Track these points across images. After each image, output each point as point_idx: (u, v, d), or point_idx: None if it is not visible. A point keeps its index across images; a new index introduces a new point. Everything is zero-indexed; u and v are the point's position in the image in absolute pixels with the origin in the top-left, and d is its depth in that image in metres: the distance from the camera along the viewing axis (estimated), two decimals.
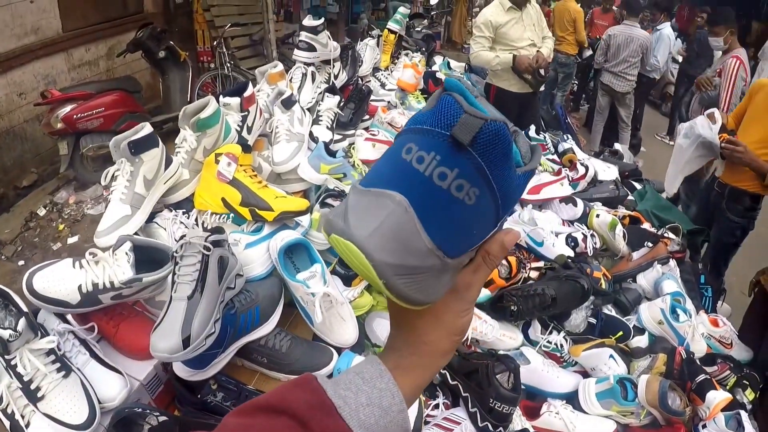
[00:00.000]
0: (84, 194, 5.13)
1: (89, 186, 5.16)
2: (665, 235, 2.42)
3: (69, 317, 1.32)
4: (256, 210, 1.58)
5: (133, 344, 1.34)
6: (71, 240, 4.59)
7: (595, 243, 2.12)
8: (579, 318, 1.88)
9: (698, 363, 1.93)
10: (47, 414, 1.15)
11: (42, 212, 4.92)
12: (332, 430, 0.54)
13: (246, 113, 1.85)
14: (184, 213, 1.66)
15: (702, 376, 1.83)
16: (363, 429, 0.54)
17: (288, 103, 1.96)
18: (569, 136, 3.16)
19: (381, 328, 1.74)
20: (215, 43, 6.61)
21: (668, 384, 1.73)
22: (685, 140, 2.99)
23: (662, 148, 7.64)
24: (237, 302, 1.40)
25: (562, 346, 1.85)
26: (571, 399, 1.78)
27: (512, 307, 1.76)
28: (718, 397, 1.77)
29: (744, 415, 1.77)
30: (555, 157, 2.89)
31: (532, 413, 1.73)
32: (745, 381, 2.01)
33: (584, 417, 1.73)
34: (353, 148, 2.04)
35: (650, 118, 8.02)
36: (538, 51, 3.95)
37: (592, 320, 1.91)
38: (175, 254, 1.27)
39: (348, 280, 1.69)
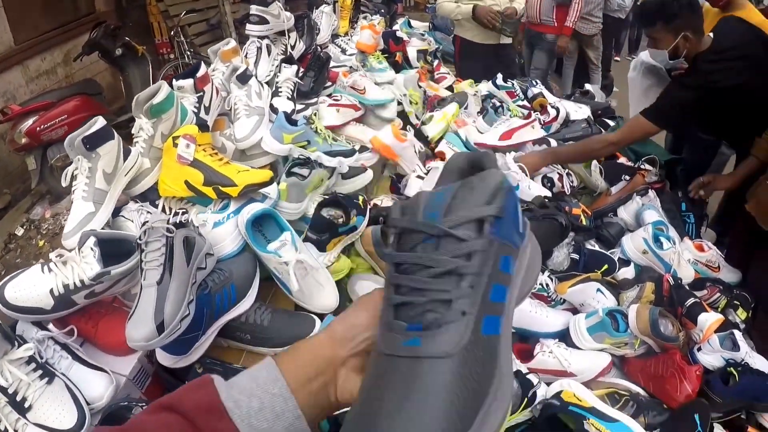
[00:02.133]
0: (59, 206, 5.03)
1: (63, 197, 5.05)
2: (642, 167, 2.42)
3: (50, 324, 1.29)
4: (220, 188, 1.55)
5: (114, 341, 1.31)
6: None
7: (572, 181, 2.11)
8: (561, 255, 1.86)
9: (687, 288, 1.92)
10: (38, 424, 1.13)
11: (20, 232, 4.84)
12: (220, 428, 0.55)
13: (201, 93, 1.81)
14: (150, 203, 1.62)
15: (691, 300, 1.82)
16: (257, 417, 0.56)
17: (243, 78, 1.92)
18: (538, 81, 3.12)
19: (363, 290, 1.72)
20: (172, 33, 6.51)
21: (658, 311, 1.73)
22: (634, 72, 2.99)
23: None
24: (210, 282, 1.37)
25: (548, 285, 1.84)
26: (564, 337, 1.77)
27: None
28: (709, 319, 1.76)
29: (738, 334, 1.77)
30: (525, 102, 2.87)
31: (526, 355, 1.72)
32: (735, 302, 2.00)
33: (578, 353, 1.72)
34: (315, 115, 2.00)
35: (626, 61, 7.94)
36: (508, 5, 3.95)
37: (575, 256, 1.89)
38: (139, 241, 1.24)
39: (321, 245, 1.67)
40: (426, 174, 1.97)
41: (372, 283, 1.77)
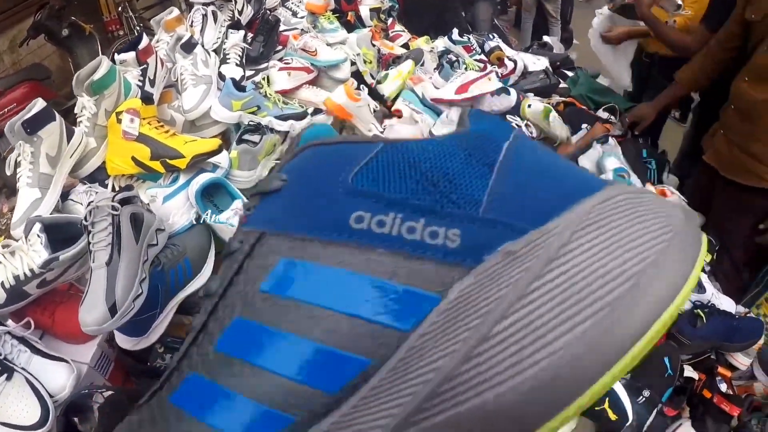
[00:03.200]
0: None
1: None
2: (610, 119, 2.42)
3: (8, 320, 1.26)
4: (168, 161, 1.51)
5: (72, 329, 1.26)
6: None
7: (531, 132, 2.07)
8: None
9: None
10: (1, 422, 1.10)
11: None
12: None
13: (145, 66, 1.74)
14: (99, 184, 1.59)
15: None
16: None
17: (188, 47, 1.85)
18: (495, 35, 3.07)
19: None
20: (120, 8, 6.31)
21: None
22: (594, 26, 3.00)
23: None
24: (163, 258, 1.34)
25: None
26: None
27: None
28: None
29: (703, 276, 1.79)
30: (482, 57, 2.82)
31: None
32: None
33: None
34: (264, 80, 1.95)
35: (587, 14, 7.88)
36: None
37: None
38: (85, 223, 1.20)
39: None
40: (382, 132, 1.93)
41: None
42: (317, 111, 2.01)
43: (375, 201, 0.34)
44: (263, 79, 1.95)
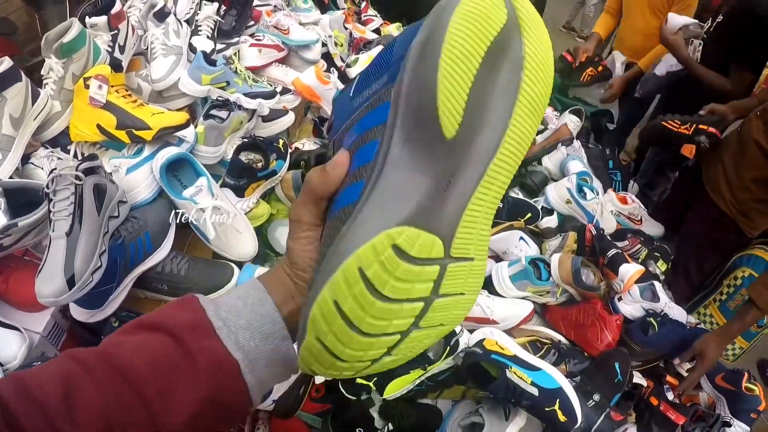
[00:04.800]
0: None
1: None
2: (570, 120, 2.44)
3: None
4: (134, 131, 1.47)
5: (26, 296, 1.24)
6: None
7: None
8: None
9: (609, 238, 1.96)
10: None
11: None
12: (207, 348, 0.53)
13: (116, 32, 1.68)
14: (62, 149, 1.53)
15: (614, 251, 1.86)
16: (241, 352, 0.54)
17: (161, 16, 1.81)
18: None
19: (285, 236, 1.66)
20: None
21: (581, 260, 1.76)
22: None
23: (566, 40, 7.65)
24: (123, 231, 1.32)
25: None
26: (487, 284, 1.80)
27: None
28: (630, 269, 1.81)
29: (658, 285, 1.83)
30: None
31: None
32: (656, 253, 2.07)
33: (501, 300, 1.76)
34: (235, 55, 1.92)
35: (557, 10, 7.93)
36: None
37: (499, 204, 1.88)
38: (46, 191, 1.17)
39: (240, 190, 1.61)
40: None
41: None
42: (285, 90, 1.99)
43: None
44: (234, 54, 1.92)
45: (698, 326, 1.95)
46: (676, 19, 2.60)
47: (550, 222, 1.98)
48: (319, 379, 1.46)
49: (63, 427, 0.47)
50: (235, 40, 2.07)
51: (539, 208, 1.99)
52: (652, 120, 2.49)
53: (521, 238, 1.85)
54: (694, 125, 2.19)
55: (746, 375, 1.86)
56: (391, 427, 1.54)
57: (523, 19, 0.47)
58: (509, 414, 1.55)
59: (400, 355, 0.54)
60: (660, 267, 2.03)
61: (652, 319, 1.78)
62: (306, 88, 1.97)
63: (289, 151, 1.81)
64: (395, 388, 1.48)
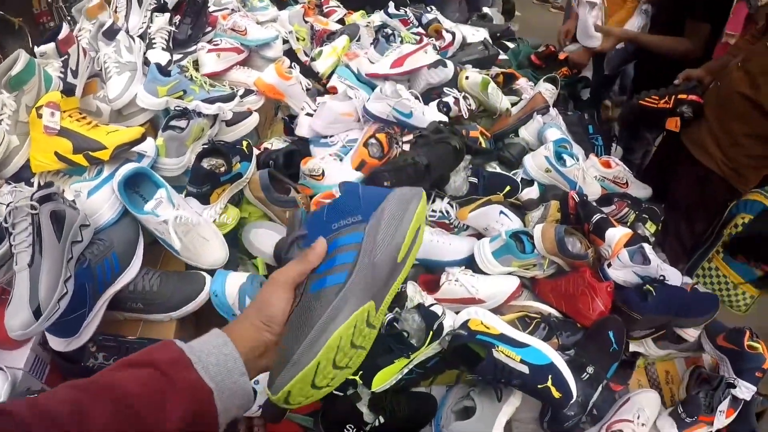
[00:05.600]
0: None
1: None
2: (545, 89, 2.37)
3: None
4: (90, 153, 1.45)
5: (3, 334, 1.20)
6: None
7: (470, 105, 2.03)
8: (459, 180, 1.80)
9: (593, 204, 1.89)
10: None
11: None
12: (186, 378, 0.67)
13: (66, 57, 1.66)
14: (26, 182, 1.53)
15: (597, 216, 1.79)
16: (213, 382, 0.69)
17: (110, 34, 1.79)
18: (433, 8, 3.00)
19: (259, 239, 1.68)
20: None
21: (564, 229, 1.70)
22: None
23: (540, 12, 7.52)
24: (89, 254, 1.30)
25: (448, 212, 1.79)
26: (471, 263, 1.73)
27: (385, 183, 1.67)
28: (617, 233, 1.73)
29: (647, 247, 1.75)
30: (420, 30, 2.74)
31: (432, 286, 1.68)
32: (644, 215, 1.98)
33: (486, 278, 1.69)
34: (189, 63, 1.89)
35: None
36: None
37: (474, 180, 1.83)
38: (5, 225, 1.17)
39: (204, 198, 1.59)
40: (315, 111, 1.88)
41: (267, 230, 1.71)
42: (248, 92, 1.96)
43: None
44: (188, 62, 1.89)
45: (696, 286, 1.87)
46: None
47: (530, 193, 1.91)
48: None
49: None
50: (192, 48, 2.03)
51: (518, 180, 1.92)
52: (628, 102, 2.41)
53: (501, 212, 1.78)
54: (673, 97, 2.12)
55: (748, 333, 1.78)
56: (382, 420, 1.49)
57: None
58: (501, 395, 1.48)
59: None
60: (649, 229, 1.95)
61: (648, 285, 1.70)
62: (268, 87, 1.93)
63: (257, 152, 1.79)
64: (382, 380, 1.41)
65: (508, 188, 1.84)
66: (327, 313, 0.76)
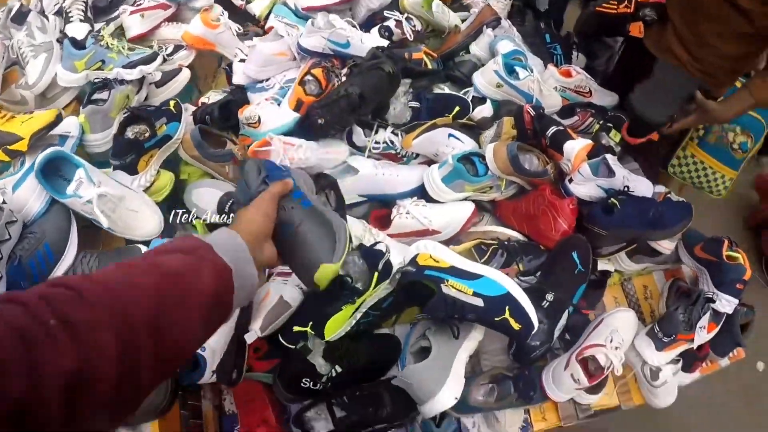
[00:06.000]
0: None
1: None
2: None
3: None
4: (8, 147, 1.42)
5: None
6: None
7: (414, 26, 1.87)
8: (398, 106, 1.67)
9: (550, 116, 1.75)
10: None
11: None
12: (213, 260, 0.80)
13: None
14: None
15: (554, 128, 1.65)
16: (231, 264, 0.81)
17: (19, 18, 1.75)
18: None
19: (201, 198, 1.62)
20: None
21: (516, 146, 1.57)
22: None
23: None
24: (19, 250, 1.29)
25: (392, 142, 1.68)
26: (425, 193, 1.65)
27: (319, 121, 1.57)
28: (576, 146, 1.60)
29: (611, 158, 1.61)
30: None
31: (385, 222, 1.60)
32: (609, 124, 1.84)
33: (439, 207, 1.61)
34: (105, 31, 1.79)
35: None
36: None
37: (415, 104, 1.70)
38: None
39: (131, 168, 1.53)
40: (246, 56, 1.77)
41: (208, 188, 1.65)
42: (178, 48, 1.87)
43: None
44: (103, 30, 1.80)
45: (669, 195, 1.73)
46: None
47: (483, 111, 1.77)
48: (251, 339, 1.36)
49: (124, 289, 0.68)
50: (116, 14, 1.93)
51: (469, 99, 1.77)
52: (584, 9, 2.16)
53: (451, 135, 1.67)
54: (634, 0, 1.92)
55: (726, 242, 1.66)
56: (339, 369, 1.43)
57: None
58: (458, 332, 1.41)
59: None
60: (614, 138, 1.80)
61: (613, 198, 1.58)
62: (196, 39, 1.85)
63: (193, 108, 1.74)
64: (333, 329, 1.36)
65: (457, 109, 1.71)
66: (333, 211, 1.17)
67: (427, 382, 1.38)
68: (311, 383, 1.42)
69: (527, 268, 1.57)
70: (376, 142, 1.66)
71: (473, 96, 1.79)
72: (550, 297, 1.48)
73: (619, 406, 1.65)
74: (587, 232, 1.59)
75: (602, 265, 1.66)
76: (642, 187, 1.65)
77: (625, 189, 1.60)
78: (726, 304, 1.60)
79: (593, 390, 1.55)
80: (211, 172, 1.66)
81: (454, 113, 1.70)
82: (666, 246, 1.70)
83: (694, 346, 1.59)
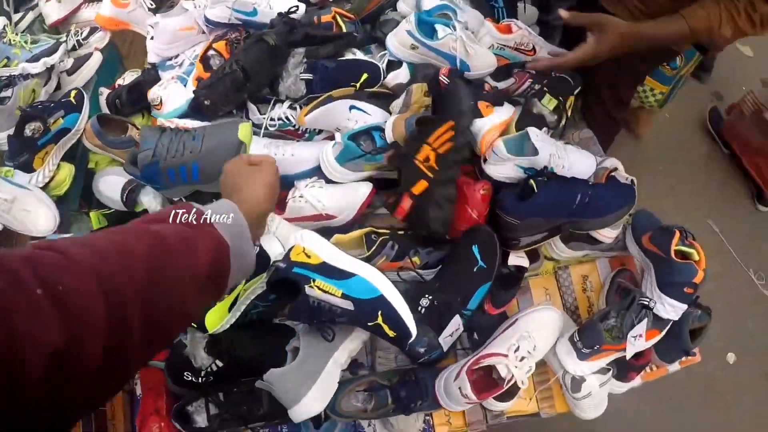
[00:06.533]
0: None
1: None
2: None
3: None
4: None
5: None
6: None
7: None
8: (289, 80, 1.49)
9: (470, 84, 1.49)
10: None
11: None
12: (211, 234, 0.75)
13: None
14: None
15: (470, 102, 1.40)
16: (229, 240, 0.77)
17: None
18: None
19: (107, 186, 1.59)
20: None
21: (416, 119, 1.37)
22: None
23: None
24: None
25: (288, 118, 1.53)
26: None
27: (205, 102, 1.46)
28: (485, 124, 1.39)
29: (535, 132, 1.38)
30: None
31: (282, 206, 1.45)
32: (547, 88, 1.53)
33: (333, 189, 1.46)
34: (8, 28, 1.75)
35: None
36: None
37: (307, 76, 1.50)
38: None
39: (26, 167, 1.53)
40: (152, 28, 1.66)
41: (113, 176, 1.61)
42: (94, 30, 1.82)
43: None
44: (4, 26, 1.76)
45: (615, 173, 1.46)
46: None
47: (399, 77, 1.55)
48: None
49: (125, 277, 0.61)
50: (34, 2, 1.89)
51: (382, 64, 1.56)
52: None
53: (353, 107, 1.47)
54: None
55: (677, 234, 1.36)
56: (219, 363, 1.36)
57: None
58: (333, 335, 1.28)
59: None
60: (547, 105, 1.51)
61: (533, 180, 1.35)
62: (108, 21, 1.79)
63: (107, 92, 1.70)
64: (214, 322, 1.29)
65: (365, 76, 1.51)
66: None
67: (290, 387, 1.27)
68: (193, 377, 1.36)
69: (426, 261, 1.40)
70: (272, 119, 1.52)
71: (389, 60, 1.58)
72: (425, 302, 1.30)
73: (537, 414, 1.45)
74: (497, 221, 1.38)
75: (515, 258, 1.42)
76: (580, 164, 1.41)
77: (549, 169, 1.37)
78: (670, 310, 1.33)
79: (503, 398, 1.37)
80: (119, 158, 1.60)
81: (361, 81, 1.51)
82: (606, 234, 1.44)
83: (628, 356, 1.35)
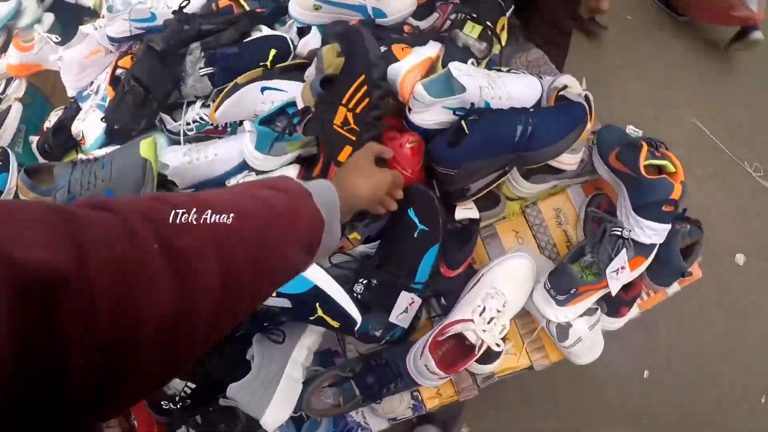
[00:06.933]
0: None
1: None
2: None
3: None
4: None
5: None
6: None
7: None
8: (190, 79, 1.37)
9: (385, 29, 1.35)
10: None
11: None
12: (310, 208, 0.75)
13: None
14: None
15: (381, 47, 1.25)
16: (325, 216, 0.76)
17: None
18: None
19: None
20: None
21: (320, 79, 1.23)
22: None
23: None
24: None
25: (202, 118, 1.42)
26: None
27: (115, 127, 1.41)
28: (401, 68, 1.22)
29: (458, 67, 1.18)
30: None
31: None
32: (469, 16, 1.30)
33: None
34: None
35: None
36: None
37: (207, 70, 1.36)
38: None
39: None
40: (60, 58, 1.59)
41: None
42: (9, 81, 1.78)
43: None
44: None
45: (565, 91, 1.27)
46: None
47: (309, 43, 1.40)
48: None
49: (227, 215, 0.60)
50: None
51: (289, 36, 1.42)
52: None
53: (264, 88, 1.33)
54: None
55: (645, 146, 1.16)
56: (192, 385, 1.31)
57: None
58: (284, 337, 1.20)
59: None
60: (470, 33, 1.29)
61: (463, 121, 1.16)
62: (19, 68, 1.73)
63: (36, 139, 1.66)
64: None
65: (273, 52, 1.37)
66: None
67: (251, 398, 1.20)
68: (171, 404, 1.32)
69: (365, 235, 1.27)
70: (188, 123, 1.41)
71: (299, 28, 1.44)
72: (359, 288, 1.19)
73: (531, 367, 1.31)
74: (437, 174, 1.23)
75: (462, 211, 1.25)
76: (522, 91, 1.24)
77: (486, 104, 1.20)
78: (651, 233, 1.15)
79: (484, 361, 1.24)
80: None
81: (270, 58, 1.38)
82: (566, 162, 1.26)
83: (613, 292, 1.18)
